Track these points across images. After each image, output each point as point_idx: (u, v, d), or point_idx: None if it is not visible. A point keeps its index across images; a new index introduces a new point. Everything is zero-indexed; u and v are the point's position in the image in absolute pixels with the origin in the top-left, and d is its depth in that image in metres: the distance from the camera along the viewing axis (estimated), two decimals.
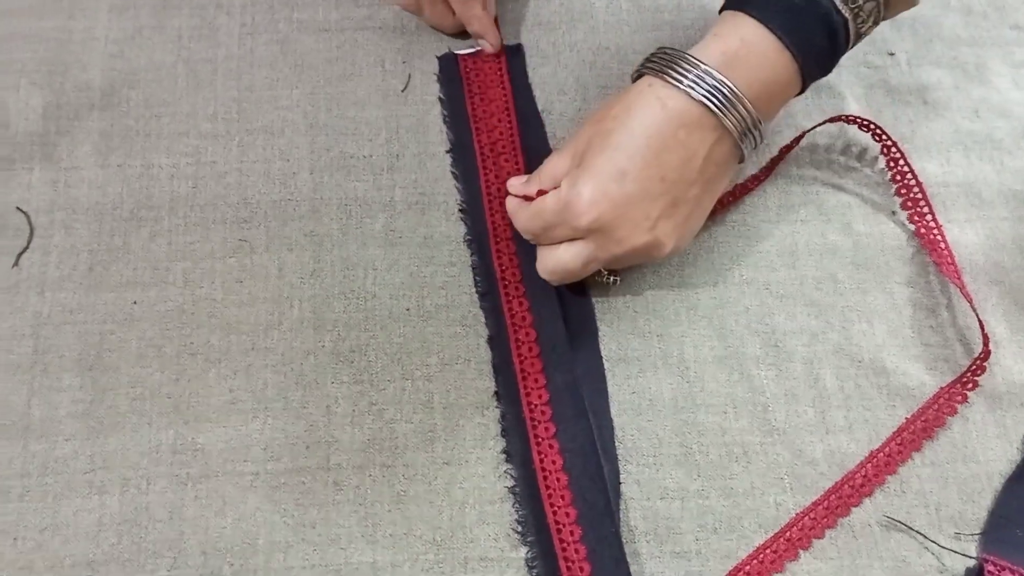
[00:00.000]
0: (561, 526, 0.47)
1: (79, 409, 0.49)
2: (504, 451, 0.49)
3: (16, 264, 0.53)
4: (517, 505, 0.48)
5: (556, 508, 0.47)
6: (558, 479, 0.48)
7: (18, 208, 0.54)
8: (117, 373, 0.50)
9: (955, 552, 0.47)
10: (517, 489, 0.48)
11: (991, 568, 0.46)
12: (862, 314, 0.53)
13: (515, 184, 0.52)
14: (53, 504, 0.47)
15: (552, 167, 0.50)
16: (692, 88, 0.47)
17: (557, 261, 0.49)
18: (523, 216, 0.50)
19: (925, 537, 0.47)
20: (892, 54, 0.61)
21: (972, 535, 0.48)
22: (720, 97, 0.47)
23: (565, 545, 0.46)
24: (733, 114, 0.47)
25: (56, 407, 0.49)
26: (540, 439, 0.49)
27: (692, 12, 0.62)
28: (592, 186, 0.47)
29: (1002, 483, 0.49)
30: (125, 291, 0.52)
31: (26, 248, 0.53)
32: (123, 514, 0.47)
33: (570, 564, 0.46)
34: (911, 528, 0.48)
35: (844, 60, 0.51)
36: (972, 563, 0.47)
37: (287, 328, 0.51)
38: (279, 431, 0.49)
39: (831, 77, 0.59)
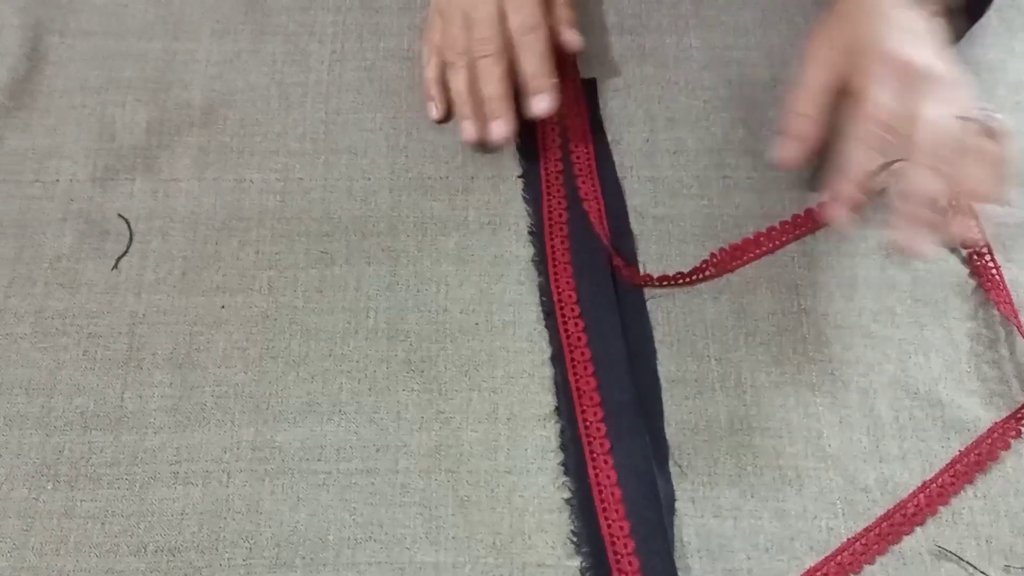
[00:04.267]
0: (615, 538, 0.48)
1: (168, 404, 0.52)
2: (562, 463, 0.50)
3: (115, 267, 0.56)
4: (573, 516, 0.49)
5: (610, 521, 0.48)
6: (612, 493, 0.49)
7: (119, 215, 0.58)
8: (204, 372, 0.53)
9: None
10: (574, 501, 0.49)
11: None
12: (919, 347, 0.54)
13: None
14: (140, 492, 0.50)
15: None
16: None
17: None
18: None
19: (975, 568, 0.48)
20: None
21: (1022, 568, 0.48)
22: None
23: (619, 557, 0.48)
24: None
25: (147, 401, 0.52)
26: (595, 455, 0.50)
27: (760, 50, 0.64)
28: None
29: None
30: (214, 296, 0.55)
31: (125, 252, 0.56)
32: (204, 505, 0.49)
33: (623, 575, 0.47)
34: (961, 559, 0.48)
35: None
36: None
37: (363, 337, 0.54)
38: (352, 434, 0.51)
39: None
